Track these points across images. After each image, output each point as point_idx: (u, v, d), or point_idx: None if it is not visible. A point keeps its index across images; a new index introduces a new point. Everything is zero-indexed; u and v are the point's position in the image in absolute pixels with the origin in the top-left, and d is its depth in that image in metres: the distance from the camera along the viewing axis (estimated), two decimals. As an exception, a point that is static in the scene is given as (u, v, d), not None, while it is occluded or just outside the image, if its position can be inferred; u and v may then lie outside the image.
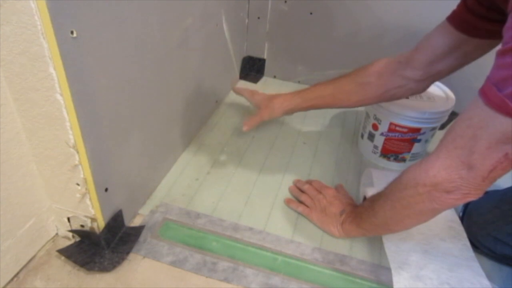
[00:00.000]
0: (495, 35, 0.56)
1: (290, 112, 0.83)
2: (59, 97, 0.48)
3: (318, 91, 0.79)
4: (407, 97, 0.75)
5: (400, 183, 0.55)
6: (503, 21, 0.45)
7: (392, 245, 0.66)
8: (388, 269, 0.63)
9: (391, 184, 0.58)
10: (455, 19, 0.62)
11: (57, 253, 0.64)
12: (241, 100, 1.11)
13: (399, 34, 1.02)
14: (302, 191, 0.79)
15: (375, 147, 0.89)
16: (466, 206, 0.73)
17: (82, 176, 0.56)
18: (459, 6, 0.62)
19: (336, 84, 0.77)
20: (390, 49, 1.05)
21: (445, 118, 0.84)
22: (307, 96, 0.80)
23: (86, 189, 0.58)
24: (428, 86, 0.72)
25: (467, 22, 0.60)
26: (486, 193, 0.50)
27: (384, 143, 0.87)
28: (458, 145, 0.47)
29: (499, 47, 0.44)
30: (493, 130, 0.44)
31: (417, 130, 0.82)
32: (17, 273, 0.61)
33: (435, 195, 0.50)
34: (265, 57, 1.22)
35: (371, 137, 0.89)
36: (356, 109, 1.11)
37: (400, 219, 0.57)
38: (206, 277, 0.63)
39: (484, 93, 0.44)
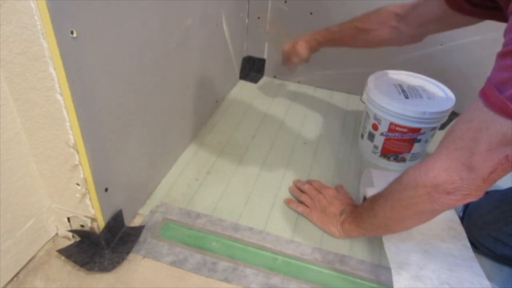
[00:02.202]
0: (484, 17, 0.63)
1: (314, 50, 0.95)
2: (59, 97, 0.48)
3: (332, 32, 0.90)
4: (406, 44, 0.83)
5: (400, 184, 0.55)
6: (494, 9, 0.47)
7: (392, 245, 0.66)
8: (388, 269, 0.63)
9: (391, 185, 0.58)
10: None
11: (57, 253, 0.64)
12: (241, 100, 1.12)
13: (399, 34, 1.02)
14: (302, 191, 0.79)
15: (375, 147, 0.89)
16: (466, 206, 0.73)
17: (82, 176, 0.56)
18: None
19: (343, 27, 0.87)
20: (391, 48, 1.05)
21: (445, 118, 0.84)
22: (325, 36, 0.91)
23: (86, 189, 0.58)
24: (421, 40, 0.79)
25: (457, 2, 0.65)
26: (487, 193, 0.50)
27: (384, 143, 0.87)
28: (458, 147, 0.47)
29: (500, 48, 0.44)
30: (493, 132, 0.44)
31: (417, 130, 0.82)
32: (17, 273, 0.61)
33: (435, 196, 0.50)
34: (265, 57, 1.22)
35: (371, 137, 0.89)
36: (356, 109, 1.11)
37: (400, 219, 0.57)
38: (206, 277, 0.63)
39: (484, 94, 0.44)
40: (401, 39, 0.79)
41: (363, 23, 0.82)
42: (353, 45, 0.88)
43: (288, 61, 1.00)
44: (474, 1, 0.62)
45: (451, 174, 0.48)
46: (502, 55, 0.43)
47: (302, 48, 0.94)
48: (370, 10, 0.83)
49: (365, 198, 0.70)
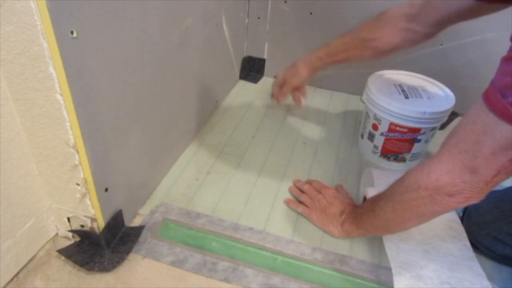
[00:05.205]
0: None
1: (316, 69, 0.87)
2: (59, 97, 0.48)
3: (335, 48, 0.82)
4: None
5: (401, 185, 0.55)
6: None
7: (393, 245, 0.66)
8: (388, 269, 0.63)
9: (392, 186, 0.58)
10: None
11: (57, 253, 0.64)
12: (241, 100, 1.12)
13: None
14: (302, 191, 0.78)
15: (375, 147, 0.89)
16: (466, 206, 0.73)
17: (82, 176, 0.56)
18: None
19: (347, 40, 0.79)
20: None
21: (445, 118, 0.84)
22: (328, 52, 0.83)
23: (86, 189, 0.58)
24: (436, 35, 0.71)
25: None
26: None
27: (384, 143, 0.87)
28: (461, 149, 0.47)
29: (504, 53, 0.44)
30: (497, 136, 0.43)
31: (417, 130, 0.82)
32: (17, 273, 0.61)
33: (437, 198, 0.50)
34: (265, 57, 1.22)
35: (371, 137, 0.89)
36: (356, 109, 1.11)
37: (401, 221, 0.57)
38: (206, 277, 0.63)
39: (488, 98, 0.44)
40: (416, 39, 0.72)
41: (370, 32, 0.75)
42: (362, 57, 0.79)
43: (282, 88, 0.91)
44: None
45: (453, 176, 0.48)
46: (506, 60, 0.42)
47: (302, 68, 0.86)
48: (373, 16, 0.75)
49: (365, 198, 0.70)
